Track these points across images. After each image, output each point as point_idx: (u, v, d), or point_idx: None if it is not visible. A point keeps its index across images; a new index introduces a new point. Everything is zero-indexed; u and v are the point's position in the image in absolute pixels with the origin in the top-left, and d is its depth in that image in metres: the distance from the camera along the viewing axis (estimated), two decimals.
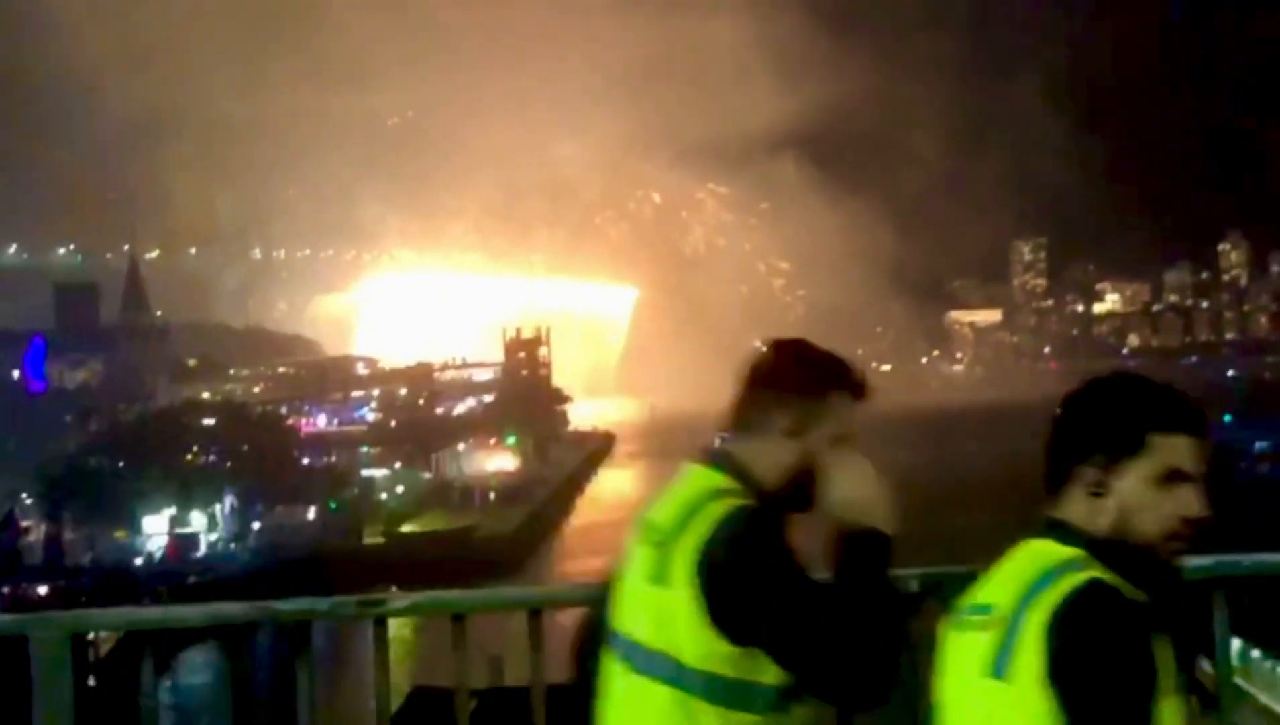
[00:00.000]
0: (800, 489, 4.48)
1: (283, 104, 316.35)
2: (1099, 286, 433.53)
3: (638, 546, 4.49)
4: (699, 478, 4.55)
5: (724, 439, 4.54)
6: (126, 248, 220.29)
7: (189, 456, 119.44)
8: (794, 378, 4.71)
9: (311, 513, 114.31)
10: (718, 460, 4.61)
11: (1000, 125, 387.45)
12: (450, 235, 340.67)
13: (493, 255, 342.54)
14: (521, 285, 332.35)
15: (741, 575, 4.11)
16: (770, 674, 4.11)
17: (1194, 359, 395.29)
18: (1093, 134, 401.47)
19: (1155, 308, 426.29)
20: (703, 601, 4.12)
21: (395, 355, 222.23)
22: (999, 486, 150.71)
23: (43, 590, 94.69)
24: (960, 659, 4.00)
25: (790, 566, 4.15)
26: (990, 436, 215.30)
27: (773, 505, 4.36)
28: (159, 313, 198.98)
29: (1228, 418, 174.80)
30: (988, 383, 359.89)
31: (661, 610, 4.21)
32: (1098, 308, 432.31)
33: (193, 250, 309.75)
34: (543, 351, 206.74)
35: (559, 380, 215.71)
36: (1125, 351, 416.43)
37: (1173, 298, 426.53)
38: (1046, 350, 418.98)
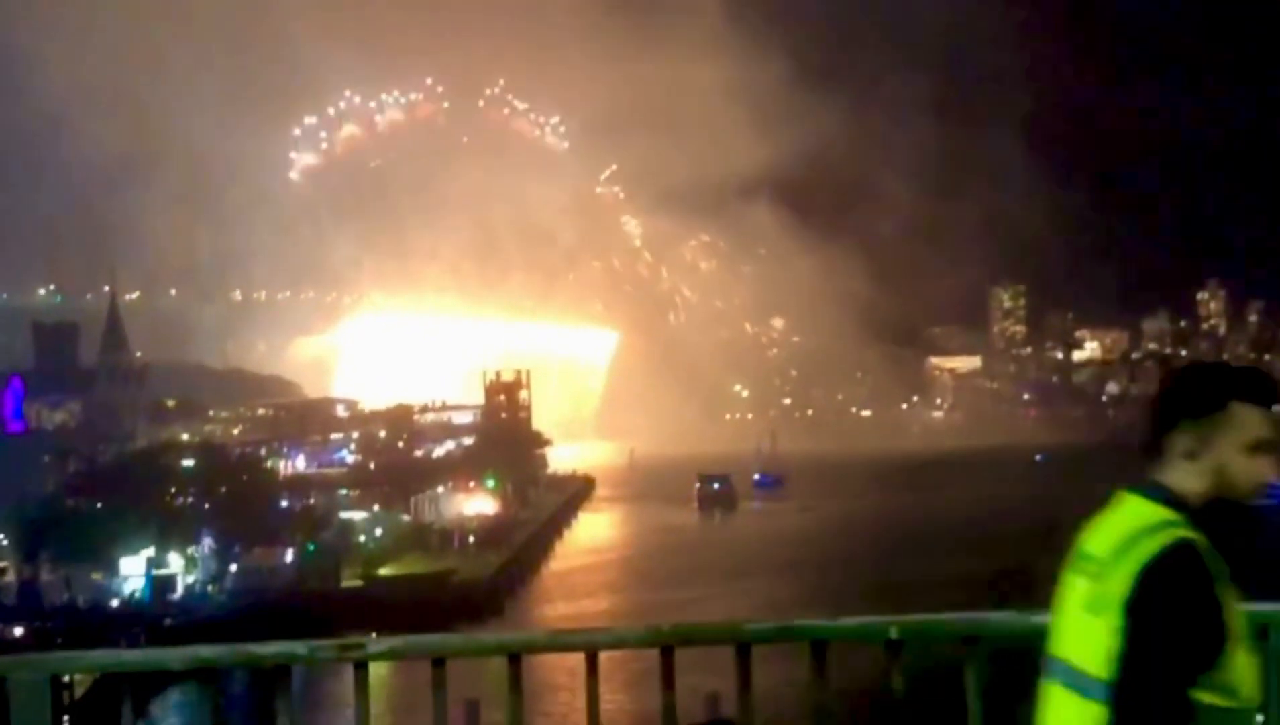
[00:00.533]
0: (1221, 509, 4.80)
1: (261, 145, 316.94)
2: (1078, 334, 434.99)
3: (1072, 576, 5.03)
4: (1133, 508, 4.97)
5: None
6: (106, 288, 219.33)
7: (167, 498, 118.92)
8: (1185, 400, 4.93)
9: (289, 555, 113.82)
10: (1150, 490, 4.97)
11: (978, 173, 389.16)
12: (429, 278, 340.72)
13: (472, 298, 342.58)
14: (501, 328, 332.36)
15: (1156, 616, 4.54)
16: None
17: None
18: (1070, 182, 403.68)
19: (1134, 356, 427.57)
20: (1125, 632, 4.59)
21: (375, 397, 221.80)
22: (979, 532, 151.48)
23: (18, 632, 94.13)
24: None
25: (1200, 622, 4.51)
26: (970, 482, 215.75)
27: (1204, 533, 4.74)
28: (138, 353, 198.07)
29: None
30: (968, 429, 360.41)
31: (1094, 637, 4.69)
32: (1077, 355, 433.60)
33: (173, 291, 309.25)
34: (523, 395, 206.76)
35: (538, 423, 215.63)
36: (1104, 398, 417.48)
37: (1152, 346, 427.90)
38: (1026, 397, 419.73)
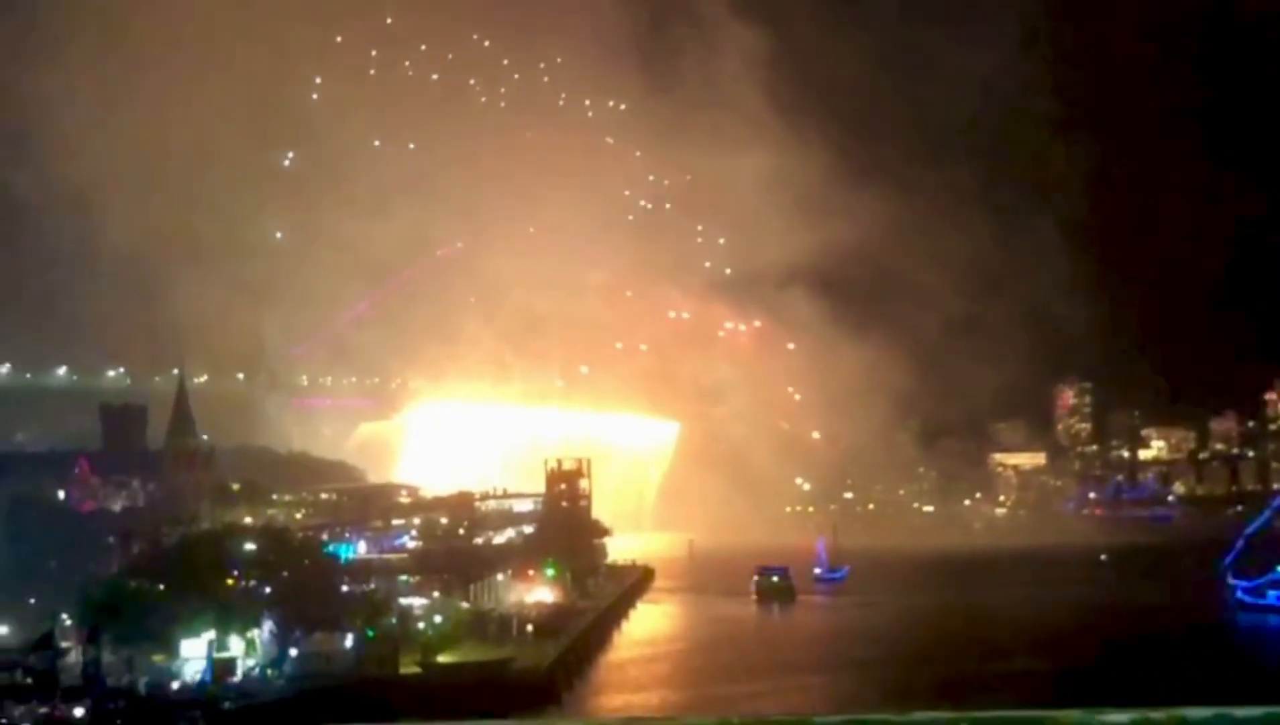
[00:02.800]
0: None
1: (330, 232, 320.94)
2: (1144, 432, 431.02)
3: None
4: None
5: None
6: (175, 371, 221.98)
7: (229, 580, 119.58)
8: None
9: (349, 640, 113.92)
10: None
11: (1038, 267, 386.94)
12: (490, 367, 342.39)
13: (531, 387, 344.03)
14: (563, 416, 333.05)
15: None
16: None
17: (1239, 508, 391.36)
18: (1133, 278, 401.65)
19: (1201, 456, 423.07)
20: None
21: (437, 483, 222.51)
22: (1041, 631, 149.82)
23: (79, 712, 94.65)
24: None
25: None
26: (1033, 581, 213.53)
27: None
28: (204, 437, 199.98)
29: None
30: (1031, 527, 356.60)
31: None
32: (1143, 454, 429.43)
33: (239, 376, 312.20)
34: (583, 483, 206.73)
35: (598, 512, 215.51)
36: (1171, 498, 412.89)
37: (1219, 446, 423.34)
38: (1091, 496, 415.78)
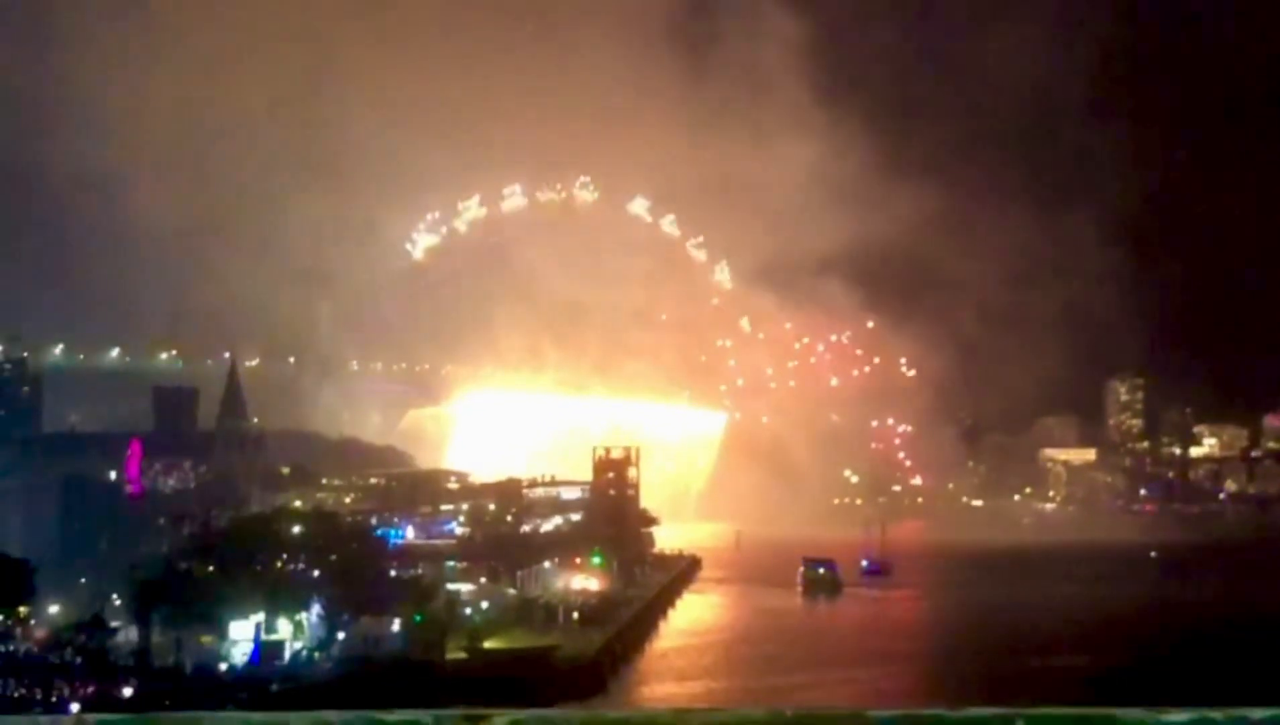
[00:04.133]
0: None
1: (386, 222, 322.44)
2: (1196, 429, 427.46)
3: None
4: None
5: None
6: (227, 355, 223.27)
7: (278, 564, 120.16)
8: None
9: (396, 624, 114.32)
10: None
11: (1095, 262, 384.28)
12: (542, 355, 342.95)
13: (582, 374, 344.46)
14: (611, 405, 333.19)
15: None
16: None
17: None
18: (1190, 277, 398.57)
19: (1254, 453, 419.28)
20: None
21: (485, 470, 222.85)
22: (1090, 628, 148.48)
23: (127, 691, 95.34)
24: None
25: None
26: (1082, 577, 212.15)
27: None
28: (255, 420, 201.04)
29: None
30: (1080, 522, 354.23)
31: None
32: (1194, 451, 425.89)
33: (291, 360, 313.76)
34: (631, 472, 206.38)
35: (646, 502, 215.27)
36: (1222, 496, 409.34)
37: (1271, 444, 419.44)
38: (1143, 492, 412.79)
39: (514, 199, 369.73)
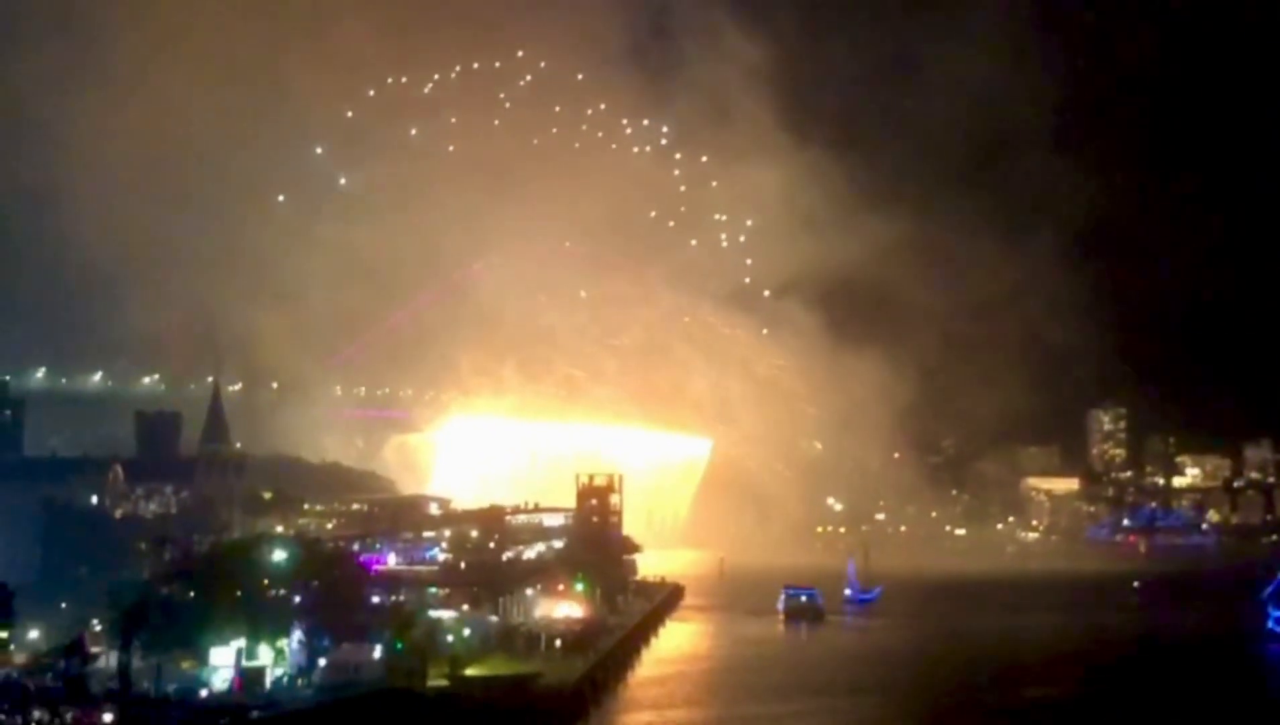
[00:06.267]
0: None
1: (364, 247, 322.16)
2: (1179, 459, 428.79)
3: None
4: None
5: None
6: (210, 379, 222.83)
7: (260, 589, 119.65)
8: None
9: (378, 651, 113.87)
10: None
11: (1084, 295, 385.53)
12: (524, 380, 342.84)
13: (565, 401, 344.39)
14: (595, 431, 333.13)
15: None
16: None
17: (1274, 537, 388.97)
18: (1173, 308, 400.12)
19: (1236, 483, 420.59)
20: None
21: (468, 496, 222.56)
22: (1071, 658, 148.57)
23: (108, 718, 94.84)
24: None
25: None
26: (1064, 606, 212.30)
27: None
28: (238, 445, 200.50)
29: None
30: (1064, 551, 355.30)
31: None
32: (1177, 481, 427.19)
33: (274, 384, 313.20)
34: (614, 499, 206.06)
35: (629, 529, 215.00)
36: (1204, 527, 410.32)
37: (1254, 474, 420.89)
38: (1125, 522, 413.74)
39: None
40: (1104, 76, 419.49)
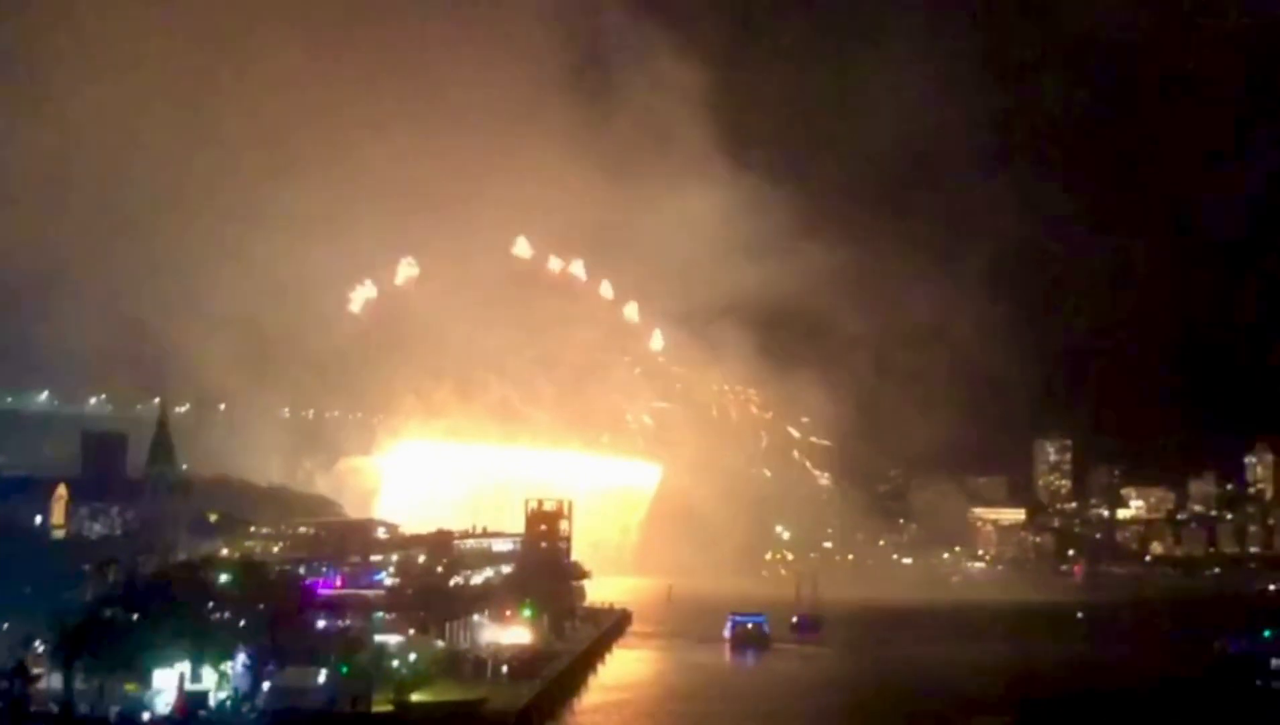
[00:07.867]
0: None
1: (325, 275, 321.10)
2: (1124, 492, 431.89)
3: None
4: None
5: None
6: (157, 400, 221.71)
7: (204, 612, 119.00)
8: None
9: (323, 676, 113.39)
10: None
11: (1029, 327, 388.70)
12: (474, 405, 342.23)
13: (515, 428, 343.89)
14: (544, 458, 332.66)
15: None
16: None
17: (1217, 571, 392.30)
18: (1125, 336, 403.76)
19: (1180, 517, 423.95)
20: None
21: (416, 521, 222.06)
22: (1021, 690, 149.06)
23: None
24: None
25: None
26: (1008, 636, 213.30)
27: None
28: (185, 467, 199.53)
29: (1267, 633, 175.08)
30: (1009, 582, 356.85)
31: None
32: (1122, 513, 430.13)
33: (222, 406, 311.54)
34: (563, 525, 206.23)
35: (578, 555, 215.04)
36: (1148, 558, 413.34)
37: (1197, 508, 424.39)
38: (1070, 553, 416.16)
39: (409, 268, 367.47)
40: (1036, 105, 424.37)
